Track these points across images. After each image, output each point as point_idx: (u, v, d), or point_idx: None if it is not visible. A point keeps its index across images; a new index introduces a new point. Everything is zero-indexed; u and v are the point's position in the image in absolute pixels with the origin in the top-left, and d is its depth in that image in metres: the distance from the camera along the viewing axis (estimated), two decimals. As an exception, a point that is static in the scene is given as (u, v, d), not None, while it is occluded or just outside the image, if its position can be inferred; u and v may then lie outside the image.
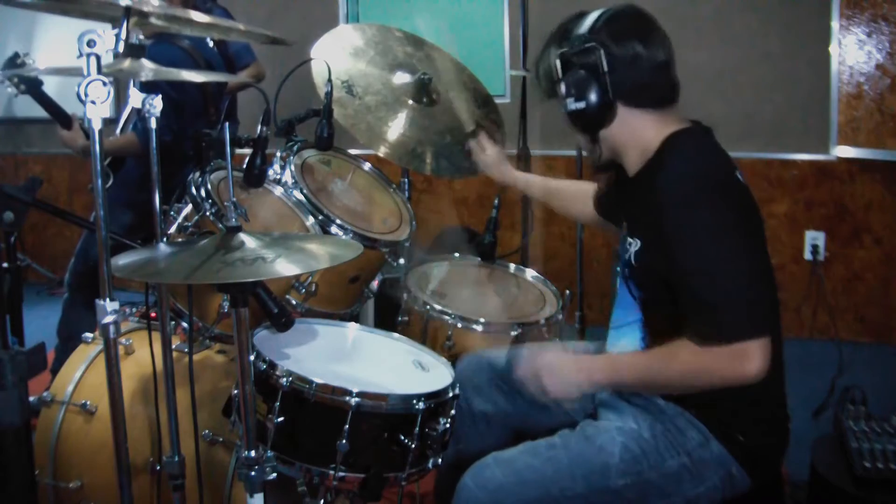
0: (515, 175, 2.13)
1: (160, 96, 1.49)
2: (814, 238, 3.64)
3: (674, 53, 1.50)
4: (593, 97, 1.47)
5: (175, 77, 1.46)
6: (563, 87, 1.51)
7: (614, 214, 1.78)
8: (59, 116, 2.65)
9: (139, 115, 2.45)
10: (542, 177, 2.11)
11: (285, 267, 1.29)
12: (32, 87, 2.61)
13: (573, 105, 1.50)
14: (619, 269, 1.60)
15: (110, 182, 2.70)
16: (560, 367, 1.48)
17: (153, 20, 1.40)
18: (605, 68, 1.45)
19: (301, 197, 1.90)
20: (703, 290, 1.34)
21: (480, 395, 1.73)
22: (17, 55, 2.54)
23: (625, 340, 1.56)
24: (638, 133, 1.51)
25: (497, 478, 1.45)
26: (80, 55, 1.16)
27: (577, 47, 1.48)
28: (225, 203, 1.50)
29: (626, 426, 1.49)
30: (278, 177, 1.94)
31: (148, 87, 1.62)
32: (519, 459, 1.48)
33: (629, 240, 1.52)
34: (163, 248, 1.50)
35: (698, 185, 1.40)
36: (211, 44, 3.17)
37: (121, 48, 1.26)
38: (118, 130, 2.74)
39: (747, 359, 1.30)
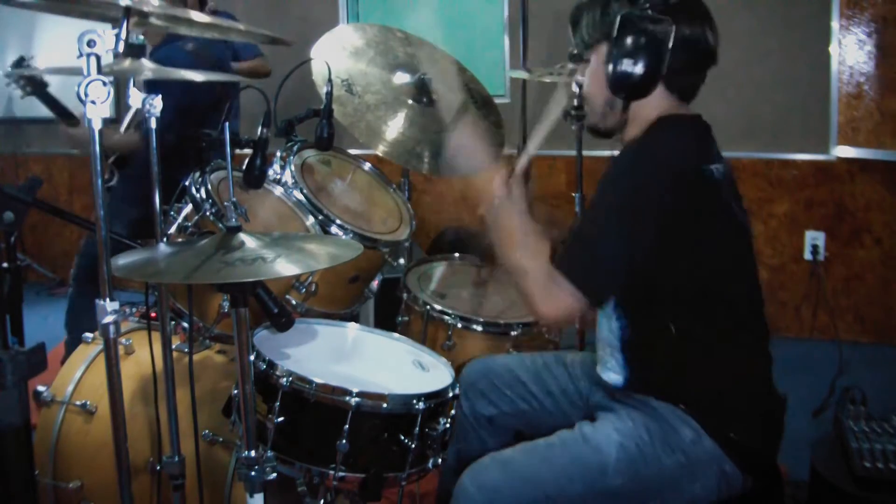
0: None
1: (160, 96, 1.49)
2: (814, 238, 3.64)
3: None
4: (647, 70, 1.41)
5: (174, 76, 1.45)
6: (615, 48, 1.42)
7: None
8: (66, 115, 2.69)
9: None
10: None
11: (285, 267, 1.28)
12: (39, 88, 2.68)
13: (622, 69, 1.42)
14: None
15: (115, 179, 2.71)
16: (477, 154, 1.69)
17: (153, 20, 1.40)
18: (670, 45, 1.40)
19: (301, 197, 1.90)
20: (578, 235, 1.44)
21: (484, 399, 1.73)
22: (22, 58, 2.60)
23: (605, 325, 1.56)
24: (651, 111, 1.48)
25: (494, 478, 1.44)
26: (80, 55, 1.15)
27: (651, 14, 1.40)
28: (225, 203, 1.49)
29: (624, 426, 1.48)
30: (278, 177, 1.93)
31: (159, 90, 1.58)
32: (516, 459, 1.47)
33: None
34: (163, 248, 1.50)
35: (645, 165, 1.40)
36: None
37: (121, 48, 1.26)
38: (122, 128, 2.76)
39: (556, 295, 1.37)
